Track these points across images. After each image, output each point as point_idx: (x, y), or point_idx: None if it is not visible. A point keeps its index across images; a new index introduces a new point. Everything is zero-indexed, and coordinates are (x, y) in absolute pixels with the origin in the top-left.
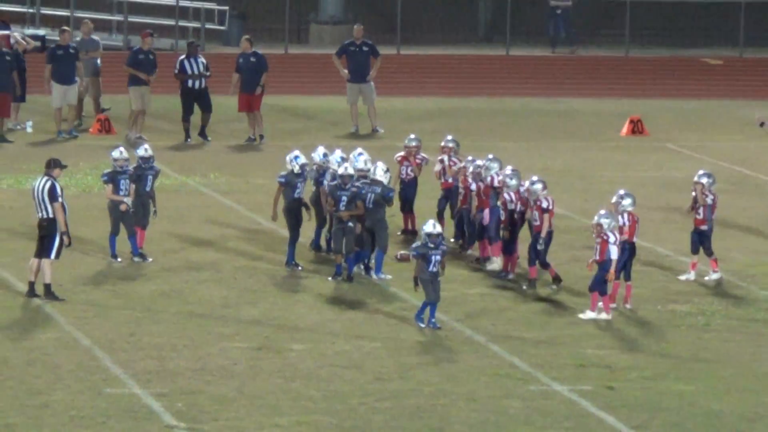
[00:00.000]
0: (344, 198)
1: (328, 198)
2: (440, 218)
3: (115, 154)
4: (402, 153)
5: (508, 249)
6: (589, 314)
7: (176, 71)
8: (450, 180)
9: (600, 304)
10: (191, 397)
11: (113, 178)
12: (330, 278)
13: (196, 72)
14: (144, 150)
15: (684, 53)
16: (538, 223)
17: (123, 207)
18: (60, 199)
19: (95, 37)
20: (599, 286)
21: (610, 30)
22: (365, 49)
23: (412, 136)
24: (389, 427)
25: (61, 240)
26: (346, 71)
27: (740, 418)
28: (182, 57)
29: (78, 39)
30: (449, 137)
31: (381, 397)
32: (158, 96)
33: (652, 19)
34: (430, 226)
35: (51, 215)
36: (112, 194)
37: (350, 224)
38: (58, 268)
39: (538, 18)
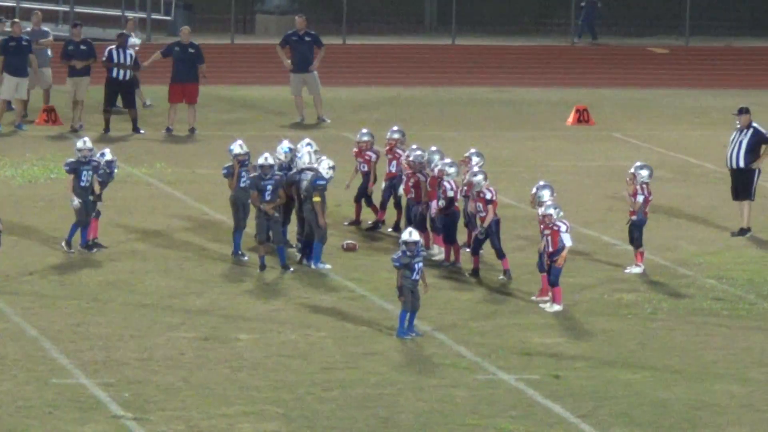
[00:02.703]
0: (269, 187)
1: (252, 191)
2: (383, 208)
3: (80, 144)
4: (355, 149)
5: (449, 238)
6: (555, 307)
7: (104, 60)
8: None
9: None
10: (138, 387)
11: (75, 169)
12: (259, 270)
13: (122, 62)
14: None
15: (629, 42)
16: (483, 214)
17: (76, 204)
18: None
19: (45, 27)
20: (558, 275)
21: (556, 19)
22: (307, 39)
23: (364, 130)
24: (336, 417)
25: None
26: (289, 61)
27: (687, 407)
28: (111, 47)
29: (28, 29)
30: (395, 128)
31: (328, 387)
32: (100, 87)
33: (597, 9)
34: (407, 235)
35: None
36: (72, 187)
37: (276, 214)
38: (4, 259)
39: (485, 7)
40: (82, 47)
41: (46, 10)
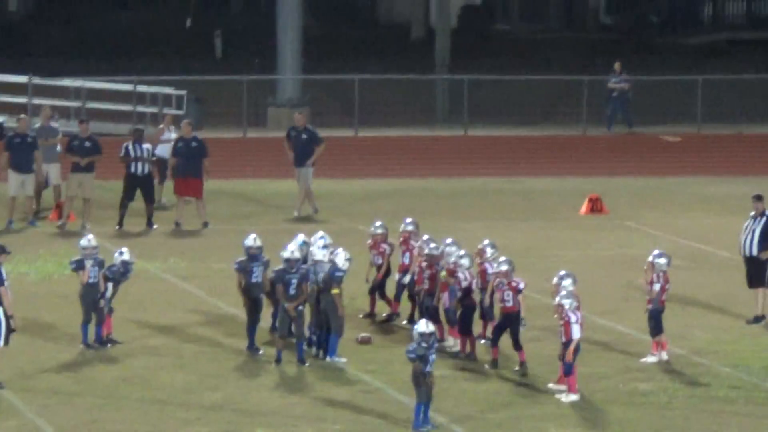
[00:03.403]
0: (293, 281)
1: (277, 285)
2: (398, 300)
3: (83, 242)
4: (369, 241)
5: (465, 329)
6: (572, 396)
7: (121, 155)
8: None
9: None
10: None
11: (82, 266)
12: (273, 364)
13: (140, 156)
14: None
15: (642, 130)
16: (510, 304)
17: (102, 303)
18: (5, 283)
19: (54, 124)
20: (572, 366)
21: (567, 108)
22: (304, 136)
23: (378, 223)
24: None
25: (8, 324)
26: (292, 154)
27: None
28: (127, 143)
29: (37, 126)
30: (408, 220)
31: None
32: (117, 183)
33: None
34: (423, 326)
35: None
36: (86, 278)
37: (300, 308)
38: (20, 356)
39: (496, 98)
40: (87, 144)
41: (57, 106)
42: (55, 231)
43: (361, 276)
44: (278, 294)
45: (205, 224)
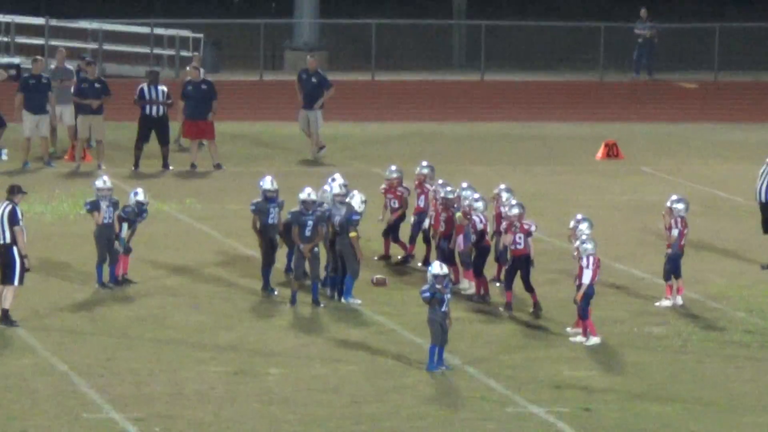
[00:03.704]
0: (309, 223)
1: (293, 227)
2: (413, 242)
3: (99, 183)
4: (384, 185)
5: (479, 272)
6: (593, 339)
7: (136, 98)
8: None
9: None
10: (168, 422)
11: (97, 206)
12: (288, 305)
13: (155, 99)
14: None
15: (659, 77)
16: (521, 246)
17: (117, 245)
18: (21, 223)
19: (69, 65)
20: (586, 311)
21: (584, 54)
22: (314, 80)
23: (393, 167)
24: None
25: (23, 264)
26: (300, 96)
27: None
28: (143, 84)
29: (52, 67)
30: (424, 163)
31: (358, 421)
32: (131, 124)
33: (626, 44)
34: (437, 268)
35: (8, 240)
36: (100, 218)
37: (315, 249)
38: (35, 295)
39: (513, 43)
40: (97, 85)
41: (74, 48)
42: (70, 171)
43: (375, 219)
44: (293, 236)
45: (218, 166)
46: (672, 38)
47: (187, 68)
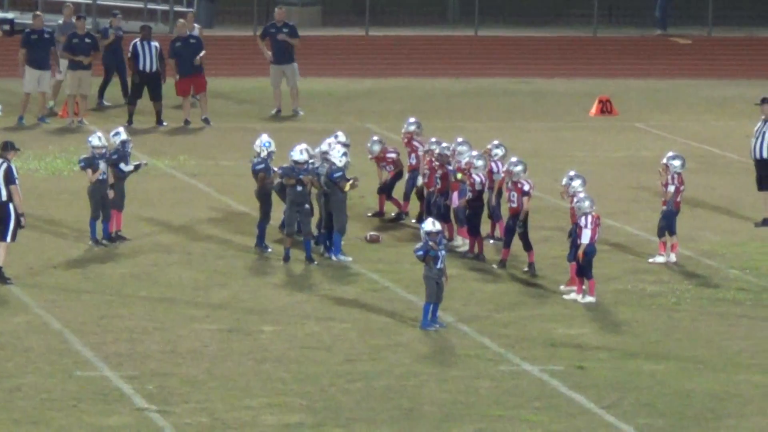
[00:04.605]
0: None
1: (284, 178)
2: (407, 199)
3: (94, 141)
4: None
5: (474, 230)
6: (588, 298)
7: (129, 54)
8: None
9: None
10: (162, 380)
11: (91, 163)
12: (282, 262)
13: (147, 55)
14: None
15: (652, 33)
16: (515, 204)
17: (111, 194)
18: (17, 182)
19: (75, 20)
20: (589, 270)
21: (578, 9)
22: (285, 30)
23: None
24: (360, 408)
25: (18, 221)
26: (269, 53)
27: (711, 397)
28: (136, 40)
29: (60, 22)
30: (411, 120)
31: (351, 379)
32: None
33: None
34: (430, 225)
35: (4, 198)
36: (94, 176)
37: (306, 206)
38: (28, 252)
39: None
40: (87, 40)
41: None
42: (64, 127)
43: (369, 173)
44: (286, 181)
45: (206, 120)
46: None
47: (177, 23)
